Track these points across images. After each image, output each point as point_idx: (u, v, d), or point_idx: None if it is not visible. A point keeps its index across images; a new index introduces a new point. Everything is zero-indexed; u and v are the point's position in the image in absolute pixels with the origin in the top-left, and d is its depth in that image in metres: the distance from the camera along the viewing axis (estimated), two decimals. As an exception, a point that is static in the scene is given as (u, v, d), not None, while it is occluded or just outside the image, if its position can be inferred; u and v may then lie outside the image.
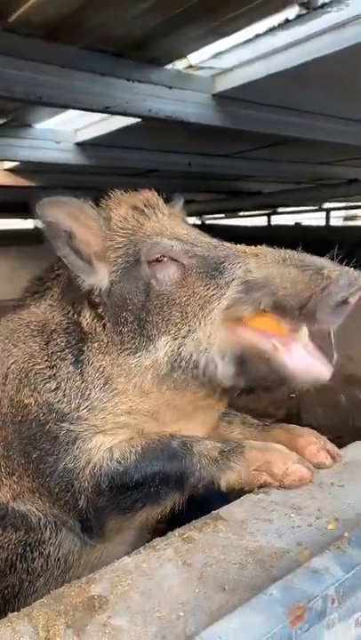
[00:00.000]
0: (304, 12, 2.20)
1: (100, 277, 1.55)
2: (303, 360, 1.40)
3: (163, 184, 6.73)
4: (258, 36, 2.45)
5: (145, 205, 1.65)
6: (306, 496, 1.44)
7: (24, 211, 9.67)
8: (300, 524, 1.31)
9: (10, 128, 3.77)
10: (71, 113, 3.74)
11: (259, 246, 1.53)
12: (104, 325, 1.57)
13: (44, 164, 4.22)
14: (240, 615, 0.92)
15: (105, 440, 1.56)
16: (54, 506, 1.60)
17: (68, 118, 3.88)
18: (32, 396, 1.59)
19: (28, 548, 1.64)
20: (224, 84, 2.86)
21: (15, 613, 1.04)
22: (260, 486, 1.50)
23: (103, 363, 1.55)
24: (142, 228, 1.59)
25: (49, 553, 1.64)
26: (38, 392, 1.58)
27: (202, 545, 1.24)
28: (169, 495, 1.54)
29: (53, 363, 1.60)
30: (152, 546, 1.25)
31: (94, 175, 5.42)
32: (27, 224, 11.48)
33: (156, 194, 1.72)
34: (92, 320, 1.60)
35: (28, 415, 1.58)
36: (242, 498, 1.45)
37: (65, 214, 1.52)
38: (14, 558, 1.64)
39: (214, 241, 1.59)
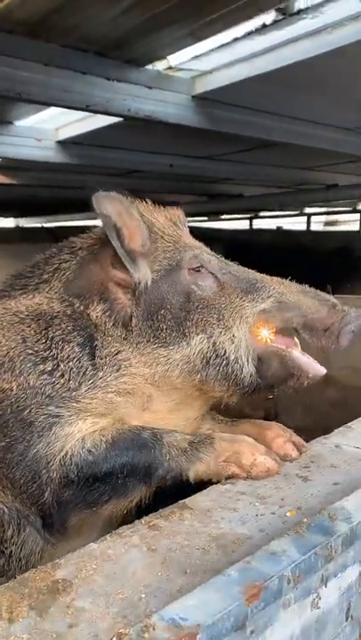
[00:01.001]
0: (280, 17, 2.25)
1: (141, 274, 1.65)
2: (307, 359, 1.69)
3: (145, 185, 6.78)
4: (236, 39, 2.50)
5: (177, 220, 1.80)
6: (271, 486, 1.48)
7: (5, 209, 9.61)
8: (264, 512, 1.34)
9: (-10, 124, 3.77)
10: (52, 111, 3.75)
11: (278, 278, 1.79)
12: (122, 319, 1.66)
13: (25, 162, 4.22)
14: (198, 594, 0.96)
15: (83, 427, 1.56)
16: (16, 499, 1.57)
17: (50, 116, 3.89)
18: (14, 380, 1.57)
19: None
20: (203, 86, 2.91)
21: (-21, 597, 1.05)
22: (228, 477, 1.53)
23: (121, 349, 1.64)
24: (181, 239, 1.75)
25: (11, 552, 1.61)
26: (24, 376, 1.57)
27: (167, 532, 1.26)
28: (136, 488, 1.54)
29: (53, 344, 1.61)
30: (118, 533, 1.27)
31: (76, 174, 5.43)
32: (7, 222, 11.41)
33: (183, 213, 1.88)
34: (103, 313, 1.67)
35: (3, 401, 1.57)
36: (209, 488, 1.48)
37: (115, 210, 1.61)
38: None
39: (241, 267, 1.80)
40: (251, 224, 12.29)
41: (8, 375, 1.59)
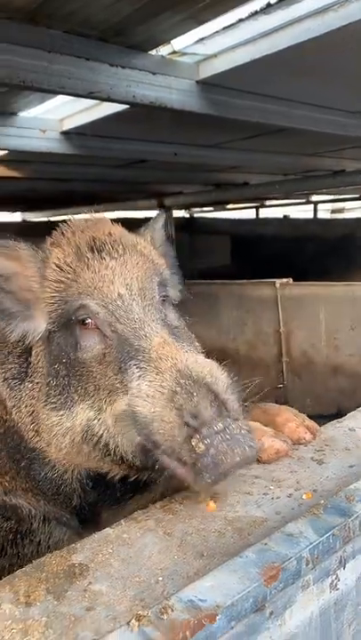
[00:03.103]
0: (285, -5, 2.20)
1: (36, 323, 1.51)
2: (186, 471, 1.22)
3: (150, 175, 6.72)
4: (241, 20, 2.45)
5: (90, 248, 1.52)
6: (286, 470, 1.47)
7: (12, 203, 9.59)
8: (280, 495, 1.34)
9: (-6, 116, 3.74)
10: (56, 101, 3.71)
11: (171, 346, 1.35)
12: (42, 367, 1.54)
13: (30, 154, 4.19)
14: (216, 576, 0.95)
15: None
16: (49, 504, 1.67)
17: (54, 106, 3.86)
18: (7, 413, 1.64)
19: (18, 536, 1.70)
20: (208, 71, 2.87)
21: (-4, 582, 1.05)
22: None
23: (33, 409, 1.55)
24: (76, 281, 1.47)
25: (39, 541, 1.70)
26: (9, 412, 1.63)
27: (182, 516, 1.26)
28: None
29: (8, 385, 1.64)
30: (133, 517, 1.27)
31: (80, 166, 5.39)
32: (14, 217, 11.41)
33: (112, 229, 1.59)
34: (42, 351, 1.54)
35: (9, 428, 1.64)
36: (223, 473, 1.47)
37: (2, 258, 1.50)
38: (5, 544, 1.70)
39: (141, 314, 1.42)
40: (257, 213, 12.21)
41: (1, 407, 1.66)
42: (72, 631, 0.91)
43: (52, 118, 4.01)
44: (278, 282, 5.93)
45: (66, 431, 1.45)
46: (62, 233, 1.62)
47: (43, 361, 1.53)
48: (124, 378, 1.34)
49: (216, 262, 9.18)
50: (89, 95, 2.60)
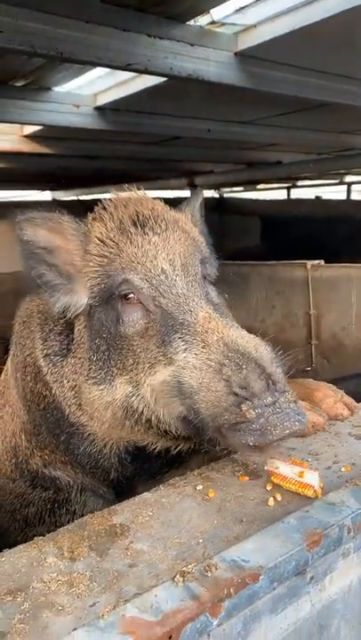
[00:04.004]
0: None
1: (78, 296, 1.52)
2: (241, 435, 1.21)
3: (182, 153, 6.65)
4: (284, -13, 2.37)
5: (133, 223, 1.52)
6: (323, 443, 1.47)
7: (43, 182, 9.65)
8: (318, 467, 1.33)
9: (28, 91, 3.74)
10: (91, 75, 3.69)
11: (217, 321, 1.34)
12: (84, 342, 1.56)
13: (63, 129, 4.18)
14: (258, 539, 0.96)
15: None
16: (87, 476, 1.72)
17: (88, 81, 3.83)
18: (47, 389, 1.67)
19: (56, 505, 1.76)
20: (247, 42, 2.79)
21: (40, 537, 1.09)
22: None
23: (75, 383, 1.57)
24: (119, 256, 1.48)
25: (75, 510, 1.76)
26: (50, 388, 1.66)
27: (220, 483, 1.27)
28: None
29: (50, 361, 1.67)
30: (172, 484, 1.29)
31: (113, 143, 5.37)
32: (44, 196, 11.49)
33: (154, 205, 1.60)
34: (83, 327, 1.56)
35: (49, 404, 1.67)
36: (259, 444, 1.47)
37: (45, 230, 1.49)
38: (43, 512, 1.77)
39: (185, 289, 1.42)
40: (288, 194, 12.00)
41: (41, 385, 1.69)
42: (116, 585, 0.93)
43: (86, 93, 3.99)
44: (310, 263, 5.85)
45: (107, 405, 1.46)
46: (104, 208, 1.61)
47: (84, 336, 1.54)
48: (168, 350, 1.33)
49: (246, 243, 9.09)
50: (126, 67, 2.57)
